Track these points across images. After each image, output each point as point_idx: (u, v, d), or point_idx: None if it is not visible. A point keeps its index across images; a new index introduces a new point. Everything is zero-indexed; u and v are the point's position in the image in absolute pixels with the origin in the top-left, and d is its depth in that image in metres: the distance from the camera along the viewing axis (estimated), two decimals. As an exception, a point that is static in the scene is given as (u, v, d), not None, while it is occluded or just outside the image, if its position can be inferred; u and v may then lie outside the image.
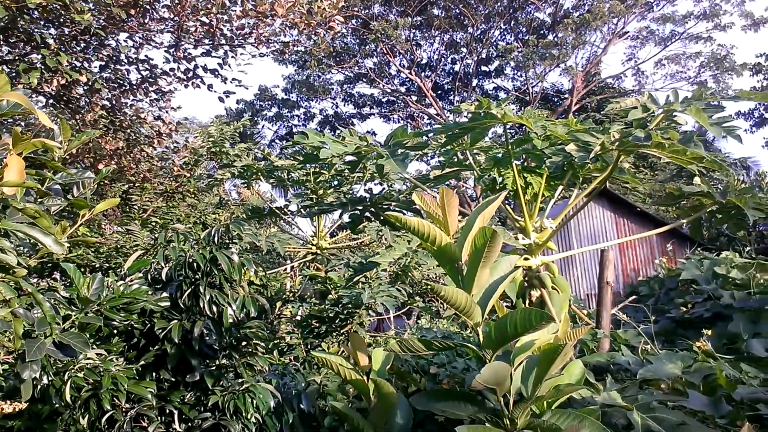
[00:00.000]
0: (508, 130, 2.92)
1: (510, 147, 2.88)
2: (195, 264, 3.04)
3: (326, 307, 6.40)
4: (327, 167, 7.61)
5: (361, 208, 3.59)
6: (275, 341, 6.49)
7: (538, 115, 2.89)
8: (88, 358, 2.94)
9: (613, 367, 2.72)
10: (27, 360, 2.15)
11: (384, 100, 35.97)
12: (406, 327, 11.50)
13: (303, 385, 4.47)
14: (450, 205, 1.43)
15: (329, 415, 5.70)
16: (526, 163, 3.07)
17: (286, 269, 9.24)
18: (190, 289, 3.07)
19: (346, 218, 4.01)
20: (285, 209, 8.10)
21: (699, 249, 6.27)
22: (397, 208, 3.47)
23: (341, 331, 6.36)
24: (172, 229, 3.22)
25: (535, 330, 1.32)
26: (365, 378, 1.58)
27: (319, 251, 7.67)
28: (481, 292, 1.41)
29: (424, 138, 3.01)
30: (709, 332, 2.67)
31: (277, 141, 36.79)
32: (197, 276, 3.08)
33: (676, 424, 1.83)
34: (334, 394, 6.01)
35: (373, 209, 3.56)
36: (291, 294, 7.69)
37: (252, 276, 3.22)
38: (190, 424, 3.22)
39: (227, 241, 3.13)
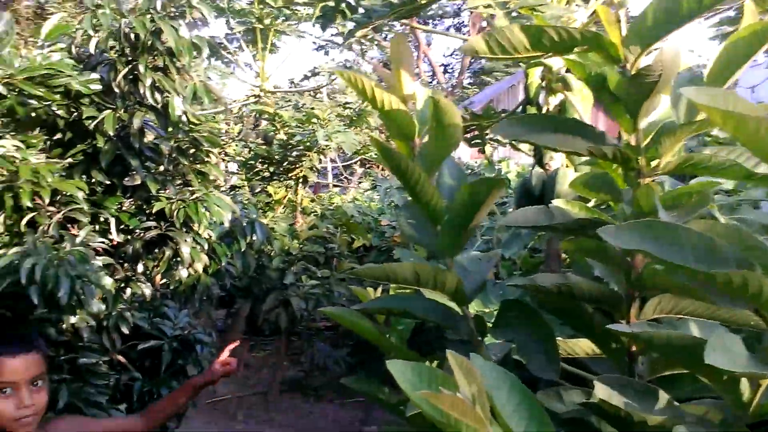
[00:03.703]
0: None
1: None
2: (133, 35, 2.42)
3: (274, 148, 5.88)
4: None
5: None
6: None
7: None
8: (1, 146, 2.35)
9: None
10: None
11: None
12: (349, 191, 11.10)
13: (255, 216, 4.01)
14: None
15: (278, 257, 5.39)
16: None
17: (227, 110, 8.51)
18: (126, 69, 2.47)
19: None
20: (226, 45, 7.28)
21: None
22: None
23: (288, 176, 5.90)
24: (101, -6, 2.55)
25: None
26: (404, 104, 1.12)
27: (262, 93, 7.00)
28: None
29: None
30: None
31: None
32: (136, 53, 2.47)
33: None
34: (282, 239, 5.67)
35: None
36: (231, 140, 7.09)
37: (201, 70, 2.65)
38: (130, 235, 2.75)
39: (175, 13, 2.51)
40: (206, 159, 2.90)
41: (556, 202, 1.03)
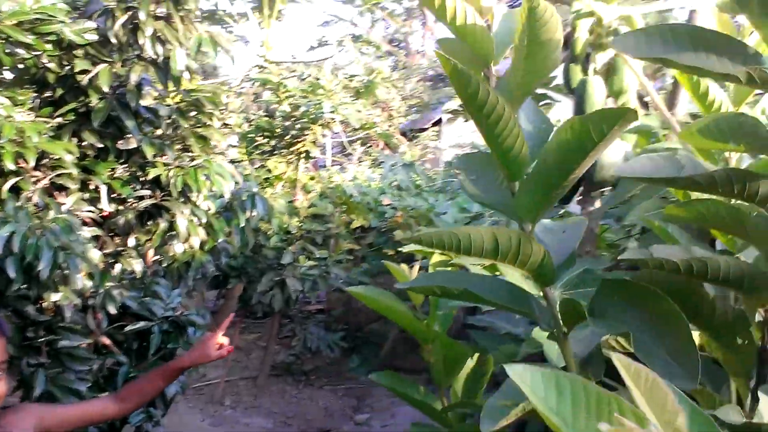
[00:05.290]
0: None
1: None
2: (135, -22, 2.16)
3: (276, 120, 5.61)
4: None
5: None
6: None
7: None
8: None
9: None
10: None
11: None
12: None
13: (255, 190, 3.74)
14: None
15: (275, 235, 5.14)
16: None
17: (225, 83, 8.20)
18: (125, 17, 2.20)
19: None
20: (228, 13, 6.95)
21: None
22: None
23: (290, 150, 5.64)
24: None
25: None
26: None
27: (266, 64, 6.68)
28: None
29: None
30: None
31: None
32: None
33: None
34: (280, 217, 5.41)
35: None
36: (231, 112, 6.79)
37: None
38: (122, 205, 2.50)
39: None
40: (208, 123, 2.64)
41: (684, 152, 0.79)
